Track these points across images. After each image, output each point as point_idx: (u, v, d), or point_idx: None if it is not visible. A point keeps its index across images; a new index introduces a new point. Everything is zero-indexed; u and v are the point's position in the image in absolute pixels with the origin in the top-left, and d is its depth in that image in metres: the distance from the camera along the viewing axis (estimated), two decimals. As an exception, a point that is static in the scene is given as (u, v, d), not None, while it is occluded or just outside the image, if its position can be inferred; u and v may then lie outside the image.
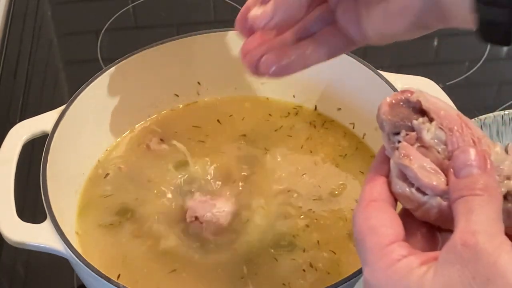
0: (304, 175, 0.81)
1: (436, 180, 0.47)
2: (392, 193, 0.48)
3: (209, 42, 0.85)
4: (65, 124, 0.76)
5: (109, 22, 1.08)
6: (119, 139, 0.85)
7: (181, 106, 0.88)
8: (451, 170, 0.46)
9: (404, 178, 0.48)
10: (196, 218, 0.76)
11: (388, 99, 0.49)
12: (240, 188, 0.79)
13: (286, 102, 0.88)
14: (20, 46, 1.06)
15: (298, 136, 0.85)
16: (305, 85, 0.86)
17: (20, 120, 0.78)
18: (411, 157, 0.47)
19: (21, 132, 0.76)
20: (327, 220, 0.77)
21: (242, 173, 0.81)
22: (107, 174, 0.81)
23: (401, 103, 0.49)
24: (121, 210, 0.78)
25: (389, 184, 0.49)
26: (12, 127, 0.77)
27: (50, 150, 0.73)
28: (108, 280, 0.64)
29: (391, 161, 0.49)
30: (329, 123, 0.86)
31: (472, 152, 0.46)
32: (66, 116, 0.76)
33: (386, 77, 0.78)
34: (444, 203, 0.46)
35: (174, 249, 0.75)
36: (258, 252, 0.74)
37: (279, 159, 0.82)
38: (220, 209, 0.76)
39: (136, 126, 0.86)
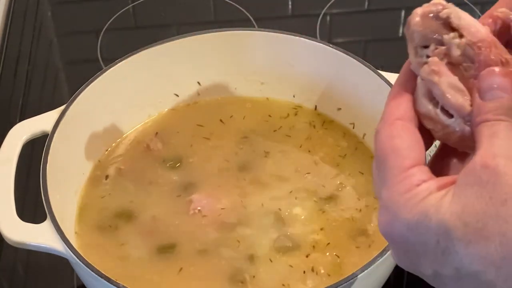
0: (304, 175, 0.81)
1: (463, 100, 0.45)
2: (416, 111, 0.47)
3: (209, 42, 0.85)
4: (65, 124, 0.76)
5: (109, 22, 1.08)
6: (119, 139, 0.85)
7: (181, 106, 0.88)
8: (476, 90, 0.45)
9: (430, 96, 0.46)
10: (199, 210, 0.76)
11: (420, 10, 0.47)
12: (241, 188, 0.79)
13: (286, 102, 0.88)
14: (20, 46, 1.06)
15: (297, 136, 0.85)
16: (305, 85, 0.86)
17: (20, 120, 0.78)
18: (441, 74, 0.46)
19: (21, 132, 0.76)
20: (326, 220, 0.77)
21: (243, 174, 0.81)
22: (107, 175, 0.81)
23: (431, 15, 0.47)
24: (121, 210, 0.78)
25: (413, 102, 0.47)
26: (12, 127, 0.77)
27: (50, 150, 0.73)
28: (108, 280, 0.64)
29: (418, 78, 0.47)
30: (328, 123, 0.86)
31: (499, 74, 0.44)
32: (66, 116, 0.76)
33: (386, 77, 0.78)
34: (467, 128, 0.45)
35: (174, 249, 0.75)
36: (259, 252, 0.74)
37: (279, 159, 0.82)
38: (223, 205, 0.77)
39: (136, 126, 0.86)
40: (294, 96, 0.88)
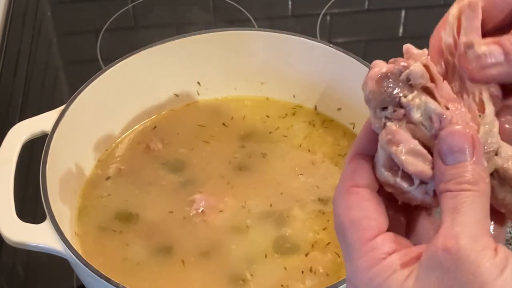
0: (304, 175, 0.80)
1: (423, 167, 0.43)
2: (375, 176, 0.45)
3: (209, 42, 0.85)
4: (64, 124, 0.76)
5: (108, 22, 1.08)
6: (119, 139, 0.85)
7: (181, 106, 0.88)
8: (438, 153, 0.43)
9: (391, 163, 0.44)
10: (202, 211, 0.76)
11: (375, 73, 0.45)
12: (241, 188, 0.79)
13: (286, 102, 0.88)
14: (19, 46, 1.06)
15: (297, 136, 0.85)
16: (305, 85, 0.86)
17: (20, 120, 0.78)
18: (398, 142, 0.43)
19: (21, 132, 0.76)
20: (327, 221, 0.76)
21: (243, 174, 0.81)
22: (107, 175, 0.81)
23: (389, 76, 0.44)
24: (121, 211, 0.78)
25: (373, 166, 0.45)
26: (11, 127, 0.77)
27: (50, 150, 0.73)
28: (108, 280, 0.64)
29: (379, 143, 0.45)
30: (328, 122, 0.86)
31: (460, 134, 0.42)
32: (66, 116, 0.76)
33: (386, 77, 0.78)
34: (428, 198, 0.44)
35: (173, 250, 0.75)
36: (258, 253, 0.74)
37: (279, 159, 0.82)
38: (223, 205, 0.77)
39: (136, 126, 0.86)
40: (294, 96, 0.88)
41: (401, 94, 0.44)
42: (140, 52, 0.83)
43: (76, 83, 0.81)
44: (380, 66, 0.45)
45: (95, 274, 0.64)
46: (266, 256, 0.74)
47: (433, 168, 0.43)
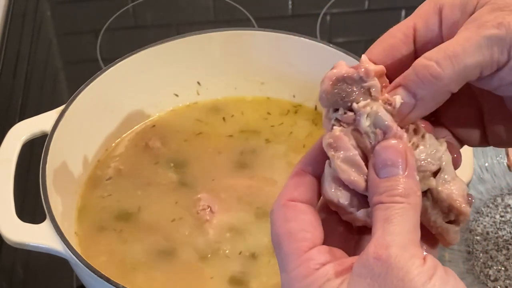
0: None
1: (356, 177, 0.44)
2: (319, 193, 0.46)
3: (209, 42, 0.85)
4: (64, 124, 0.76)
5: (108, 22, 1.08)
6: (119, 139, 0.85)
7: (181, 106, 0.88)
8: (372, 166, 0.44)
9: (336, 182, 0.45)
10: (209, 206, 0.76)
11: (333, 74, 0.45)
12: (241, 188, 0.79)
13: (286, 101, 0.88)
14: (19, 46, 1.06)
15: (298, 134, 0.85)
16: (305, 85, 0.86)
17: (20, 120, 0.78)
18: (338, 148, 0.44)
19: (21, 132, 0.76)
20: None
21: (244, 173, 0.81)
22: (107, 175, 0.81)
23: (347, 79, 0.45)
24: (121, 211, 0.78)
25: (315, 182, 0.46)
26: (11, 127, 0.77)
27: (50, 150, 0.73)
28: (108, 280, 0.64)
29: (326, 162, 0.45)
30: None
31: (394, 149, 0.43)
32: (66, 116, 0.76)
33: (387, 77, 0.78)
34: (369, 220, 0.44)
35: (174, 250, 0.75)
36: (260, 252, 0.74)
37: (280, 158, 0.82)
38: (224, 205, 0.77)
39: (136, 126, 0.86)
40: (294, 96, 0.88)
41: (353, 99, 0.44)
42: (140, 52, 0.83)
43: (76, 83, 0.81)
44: (341, 68, 0.45)
45: (95, 274, 0.64)
46: (267, 256, 0.74)
47: (366, 181, 0.44)
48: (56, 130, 0.75)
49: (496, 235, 0.82)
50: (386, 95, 0.45)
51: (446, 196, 0.45)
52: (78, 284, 0.80)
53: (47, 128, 0.75)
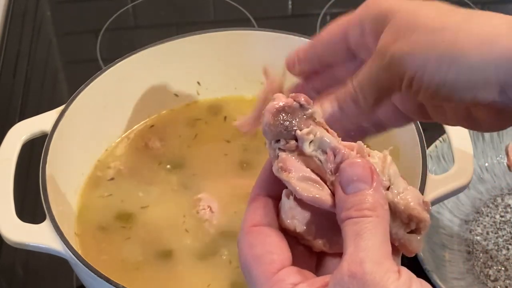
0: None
1: (318, 192, 0.44)
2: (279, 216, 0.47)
3: (209, 42, 0.85)
4: (64, 124, 0.76)
5: (108, 22, 1.08)
6: (119, 139, 0.85)
7: (181, 106, 0.88)
8: (338, 184, 0.44)
9: (293, 211, 0.46)
10: (209, 206, 0.76)
11: (273, 106, 0.46)
12: (242, 188, 0.79)
13: (286, 102, 0.88)
14: (19, 46, 1.06)
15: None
16: (305, 85, 0.86)
17: (20, 120, 0.78)
18: (289, 169, 0.45)
19: (21, 132, 0.76)
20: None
21: (244, 173, 0.81)
22: (107, 175, 0.81)
23: (287, 109, 0.46)
24: (121, 211, 0.78)
25: (274, 204, 0.47)
26: (11, 127, 0.77)
27: (50, 150, 0.73)
28: (108, 280, 0.64)
29: (283, 192, 0.46)
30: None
31: (359, 165, 0.44)
32: (66, 116, 0.76)
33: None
34: (326, 247, 0.46)
35: (174, 250, 0.75)
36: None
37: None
38: (224, 205, 0.77)
39: (136, 126, 0.86)
40: (294, 96, 0.88)
41: (295, 128, 0.45)
42: (140, 52, 0.83)
43: (75, 83, 0.81)
44: (279, 100, 0.46)
45: (95, 274, 0.64)
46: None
47: (332, 196, 0.44)
48: (56, 130, 0.75)
49: (496, 235, 0.82)
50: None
51: (403, 207, 0.46)
52: (78, 284, 0.80)
53: (47, 128, 0.75)
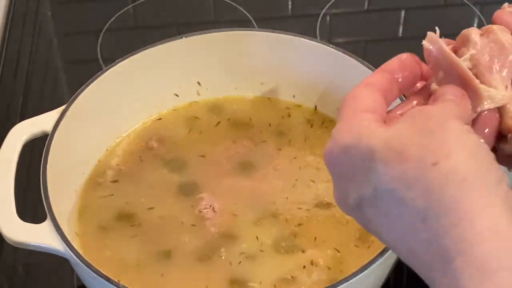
0: (305, 174, 0.80)
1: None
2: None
3: (209, 42, 0.85)
4: (65, 124, 0.76)
5: (109, 22, 1.08)
6: (119, 139, 0.85)
7: (181, 106, 0.88)
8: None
9: None
10: (211, 206, 0.76)
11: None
12: (242, 188, 0.79)
13: (286, 102, 0.88)
14: (20, 46, 1.06)
15: (297, 136, 0.85)
16: (305, 85, 0.86)
17: (20, 120, 0.78)
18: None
19: (21, 132, 0.76)
20: (327, 220, 0.77)
21: (244, 174, 0.81)
22: (107, 175, 0.81)
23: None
24: (121, 211, 0.78)
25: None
26: (12, 127, 0.77)
27: (50, 150, 0.73)
28: (108, 280, 0.64)
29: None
30: (328, 122, 0.86)
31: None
32: (66, 116, 0.76)
33: (386, 77, 0.78)
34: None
35: (174, 250, 0.75)
36: (260, 252, 0.74)
37: (279, 159, 0.82)
38: (224, 205, 0.77)
39: (136, 126, 0.86)
40: (294, 96, 0.88)
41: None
42: (140, 52, 0.83)
43: (76, 83, 0.81)
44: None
45: (96, 274, 0.64)
46: (267, 255, 0.74)
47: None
48: (57, 130, 0.75)
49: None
50: None
51: None
52: (78, 284, 0.80)
53: (48, 128, 0.76)
